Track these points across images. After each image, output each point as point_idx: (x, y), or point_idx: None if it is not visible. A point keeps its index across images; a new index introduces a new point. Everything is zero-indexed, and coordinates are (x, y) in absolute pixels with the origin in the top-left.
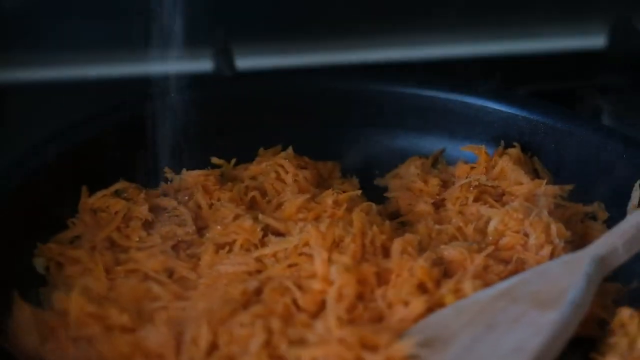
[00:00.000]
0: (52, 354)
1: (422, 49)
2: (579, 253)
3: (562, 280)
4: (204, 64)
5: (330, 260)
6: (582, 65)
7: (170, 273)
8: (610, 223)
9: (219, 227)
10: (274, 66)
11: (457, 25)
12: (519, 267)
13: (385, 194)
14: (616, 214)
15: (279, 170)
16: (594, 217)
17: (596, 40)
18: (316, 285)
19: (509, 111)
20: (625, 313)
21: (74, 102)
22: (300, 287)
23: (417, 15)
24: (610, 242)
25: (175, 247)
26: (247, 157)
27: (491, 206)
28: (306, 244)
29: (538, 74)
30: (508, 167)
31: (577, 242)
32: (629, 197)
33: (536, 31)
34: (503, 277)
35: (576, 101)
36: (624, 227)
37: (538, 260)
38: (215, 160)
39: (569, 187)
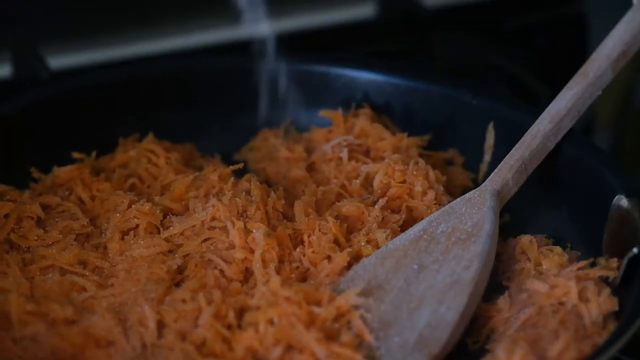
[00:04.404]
0: None
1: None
2: (477, 190)
3: (470, 216)
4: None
5: (245, 229)
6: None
7: (83, 266)
8: (467, 166)
9: (118, 214)
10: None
11: None
12: (409, 214)
13: (250, 167)
14: (470, 157)
15: (149, 155)
16: (451, 162)
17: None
18: (238, 254)
19: (353, 74)
20: (525, 240)
21: None
22: (222, 259)
23: None
24: (503, 176)
25: (76, 241)
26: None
27: (364, 162)
28: (214, 219)
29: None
30: (367, 125)
31: (445, 186)
32: (479, 141)
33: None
34: (401, 226)
35: None
36: (511, 161)
37: (426, 205)
38: (76, 155)
39: (427, 137)
